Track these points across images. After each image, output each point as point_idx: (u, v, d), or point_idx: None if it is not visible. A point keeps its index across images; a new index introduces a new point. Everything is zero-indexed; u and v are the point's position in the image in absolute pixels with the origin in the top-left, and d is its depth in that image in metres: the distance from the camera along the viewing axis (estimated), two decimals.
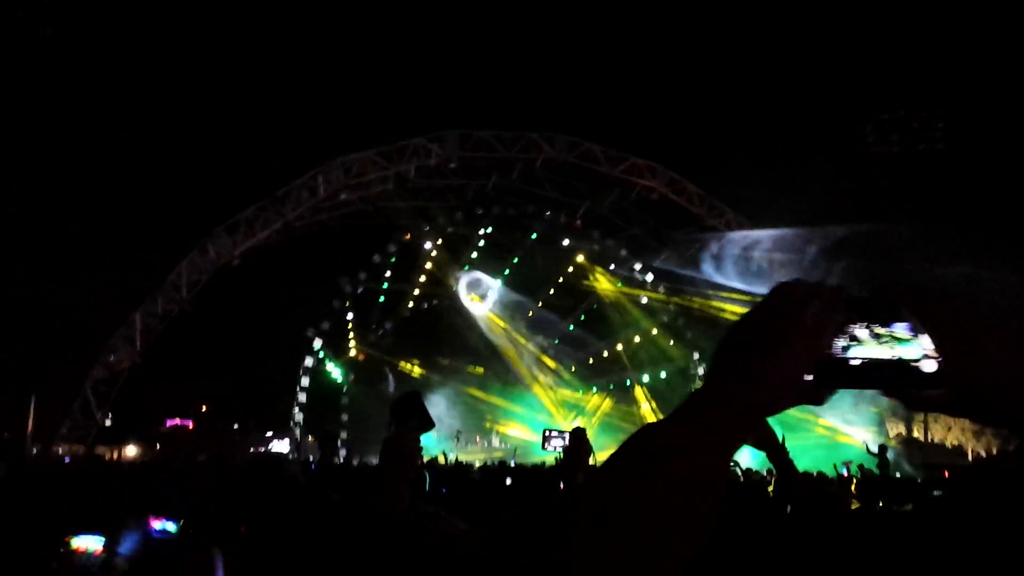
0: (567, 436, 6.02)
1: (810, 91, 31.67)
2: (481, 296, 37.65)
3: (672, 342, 37.01)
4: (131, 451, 32.18)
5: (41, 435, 30.63)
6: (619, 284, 37.12)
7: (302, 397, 35.31)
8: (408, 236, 35.52)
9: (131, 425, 33.54)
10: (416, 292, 36.86)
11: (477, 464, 24.54)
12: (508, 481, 12.85)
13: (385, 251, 35.15)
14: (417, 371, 37.43)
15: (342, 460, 29.75)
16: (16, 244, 28.87)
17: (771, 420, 1.86)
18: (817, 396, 0.95)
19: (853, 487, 14.05)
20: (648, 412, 36.74)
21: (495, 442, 37.95)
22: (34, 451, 29.09)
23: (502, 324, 37.39)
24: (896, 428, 30.15)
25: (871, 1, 30.98)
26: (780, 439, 3.58)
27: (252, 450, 31.36)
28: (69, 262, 29.53)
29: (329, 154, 31.90)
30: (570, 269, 37.32)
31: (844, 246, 29.07)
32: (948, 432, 30.33)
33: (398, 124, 32.87)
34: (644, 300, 36.81)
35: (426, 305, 37.61)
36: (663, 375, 37.26)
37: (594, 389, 38.35)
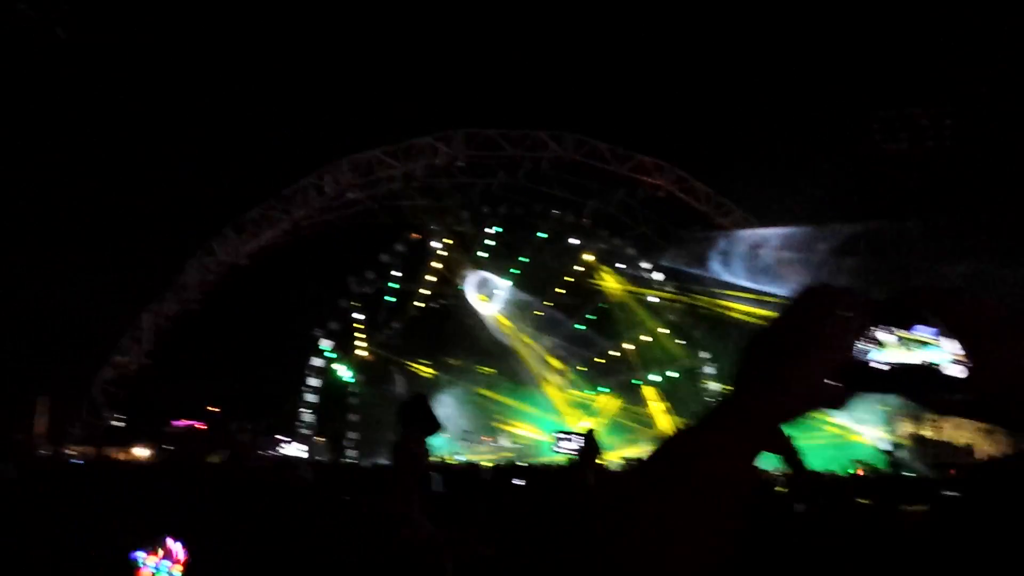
0: (577, 438, 6.05)
1: (818, 89, 31.54)
2: (488, 296, 37.66)
3: (680, 341, 36.95)
4: (140, 452, 32.24)
5: (51, 436, 30.73)
6: (627, 283, 37.07)
7: (310, 397, 35.36)
8: (415, 235, 35.56)
9: (140, 426, 33.61)
10: (424, 292, 36.88)
11: (486, 464, 24.54)
12: (518, 481, 12.86)
13: (392, 251, 35.19)
14: (426, 371, 37.45)
15: (351, 460, 29.88)
16: (24, 245, 28.96)
17: None
18: (841, 400, 0.94)
19: (864, 486, 14.02)
20: (658, 411, 36.68)
21: (504, 442, 37.93)
22: (44, 452, 29.17)
23: (510, 323, 37.39)
24: (906, 427, 30.03)
25: None
26: (790, 438, 3.56)
27: (263, 453, 31.39)
28: (77, 263, 29.57)
29: (336, 153, 31.97)
30: (578, 268, 37.30)
31: (852, 244, 28.99)
32: (958, 431, 30.19)
33: (405, 123, 32.85)
34: (652, 299, 36.74)
35: (434, 305, 37.61)
36: (672, 374, 37.18)
37: (602, 389, 38.29)
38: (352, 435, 35.39)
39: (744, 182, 32.43)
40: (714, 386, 36.24)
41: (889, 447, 23.21)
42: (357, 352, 36.46)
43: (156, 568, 4.79)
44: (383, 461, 24.27)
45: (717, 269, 32.19)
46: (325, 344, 35.31)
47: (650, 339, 37.45)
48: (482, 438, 37.86)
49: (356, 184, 32.11)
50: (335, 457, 31.64)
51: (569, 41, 36.19)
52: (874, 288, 0.96)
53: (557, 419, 36.43)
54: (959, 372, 0.90)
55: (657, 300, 36.70)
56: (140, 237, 31.26)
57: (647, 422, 37.05)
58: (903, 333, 0.93)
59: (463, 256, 36.67)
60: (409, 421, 3.93)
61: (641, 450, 32.23)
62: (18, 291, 27.92)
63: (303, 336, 34.96)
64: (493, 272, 37.38)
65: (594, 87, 35.72)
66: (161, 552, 4.70)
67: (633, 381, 38.02)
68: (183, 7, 31.14)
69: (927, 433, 29.60)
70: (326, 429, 35.81)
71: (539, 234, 35.97)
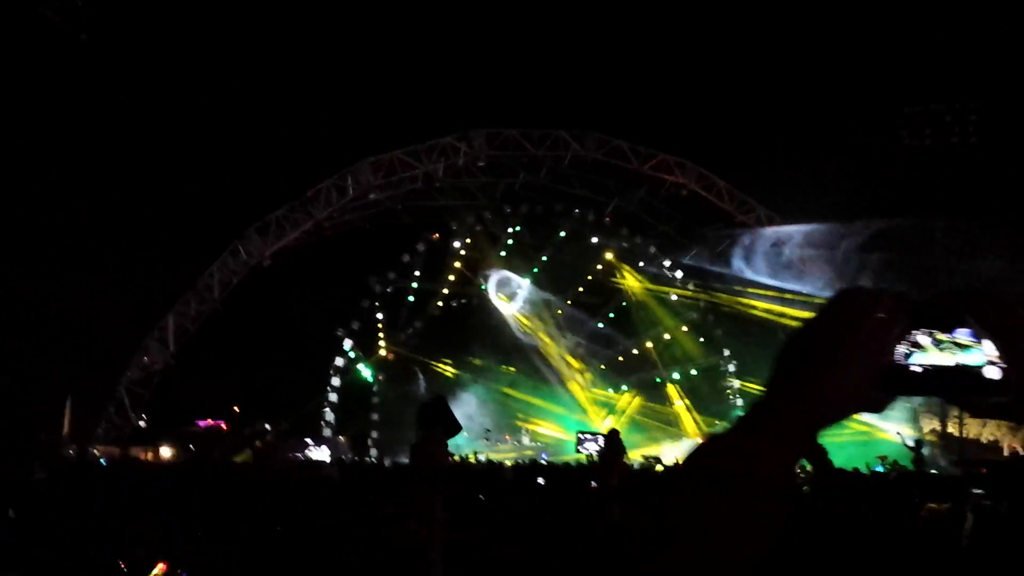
0: (600, 438, 6.03)
1: (841, 84, 31.31)
2: (510, 295, 37.68)
3: (702, 339, 36.81)
4: (165, 452, 32.51)
5: (76, 437, 31.02)
6: (648, 281, 36.97)
7: (333, 397, 35.49)
8: (437, 235, 35.63)
9: (165, 426, 33.87)
10: (445, 291, 36.93)
11: (508, 463, 24.53)
12: (541, 480, 12.86)
13: (414, 250, 35.26)
14: (448, 370, 37.50)
15: (374, 459, 29.96)
16: (50, 249, 29.26)
17: None
18: (878, 404, 0.94)
19: (889, 484, 13.89)
20: (681, 409, 36.58)
21: (525, 440, 37.93)
22: (71, 452, 29.45)
23: (531, 323, 37.39)
24: (931, 423, 29.77)
25: None
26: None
27: (290, 455, 31.52)
28: (102, 265, 29.85)
29: (358, 154, 32.07)
30: (599, 267, 37.25)
31: (876, 241, 28.75)
32: (984, 428, 29.91)
33: (426, 123, 32.91)
34: (674, 297, 36.63)
35: (455, 304, 37.65)
36: (694, 372, 37.05)
37: (624, 387, 38.20)
38: (375, 434, 35.49)
39: (767, 179, 32.27)
40: (736, 384, 36.12)
41: (913, 444, 22.95)
42: (379, 352, 36.55)
43: None
44: (404, 460, 24.34)
45: (740, 267, 32.04)
46: (347, 344, 35.42)
47: (672, 337, 37.35)
48: (505, 437, 37.87)
49: (378, 185, 32.21)
50: (359, 457, 31.75)
51: (590, 40, 36.14)
52: (910, 290, 0.95)
53: (579, 417, 36.41)
54: (997, 374, 0.89)
55: (678, 298, 36.59)
56: (165, 239, 31.53)
57: (669, 420, 36.97)
58: (942, 336, 0.92)
59: (485, 256, 36.70)
60: (429, 423, 3.94)
61: (662, 448, 32.20)
62: (45, 294, 28.23)
63: (326, 336, 35.11)
64: (515, 271, 37.39)
65: (616, 85, 35.66)
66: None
67: (655, 379, 37.91)
68: (209, 12, 31.36)
69: (952, 430, 29.35)
70: (349, 429, 35.93)
71: (560, 233, 35.94)
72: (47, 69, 26.83)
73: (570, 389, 37.29)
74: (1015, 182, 27.17)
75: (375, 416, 35.88)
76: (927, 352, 0.92)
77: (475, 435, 35.20)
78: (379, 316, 35.97)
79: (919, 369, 0.92)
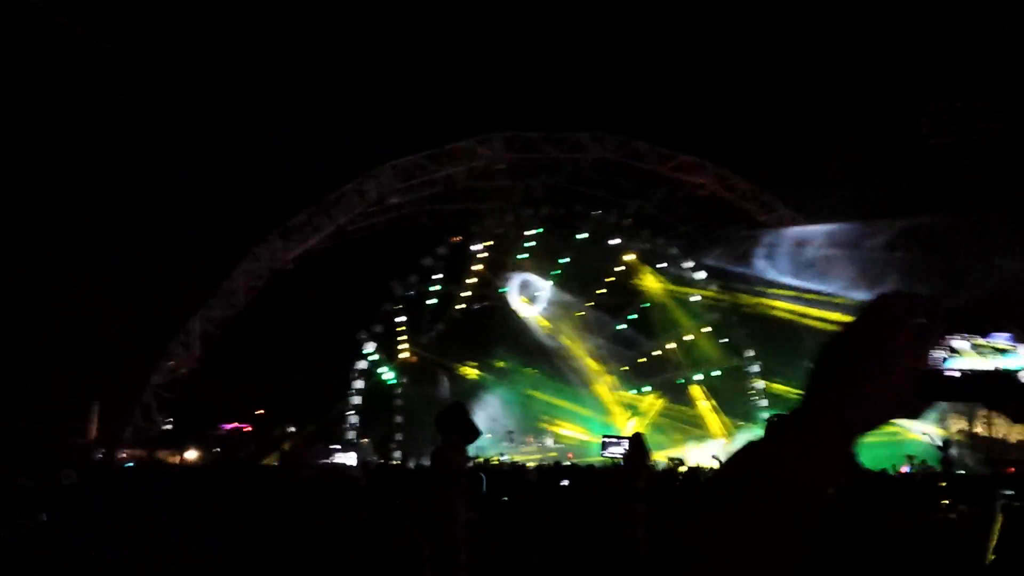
0: (625, 442, 6.03)
1: (862, 82, 31.12)
2: (531, 297, 37.68)
3: (725, 340, 36.65)
4: (191, 455, 32.79)
5: (103, 440, 31.33)
6: (670, 282, 36.87)
7: (356, 400, 35.62)
8: (458, 239, 35.68)
9: (190, 429, 34.15)
10: (466, 294, 36.97)
11: (532, 464, 24.54)
12: (565, 482, 12.87)
13: (435, 254, 35.34)
14: (470, 372, 37.55)
15: (397, 462, 30.08)
16: (76, 256, 29.58)
17: None
18: (916, 409, 0.94)
19: (916, 484, 13.78)
20: (707, 410, 36.40)
21: (549, 442, 37.93)
22: (99, 456, 29.75)
23: (553, 325, 37.37)
24: (958, 423, 29.50)
25: None
26: None
27: (318, 461, 31.61)
28: (128, 272, 30.18)
29: (379, 159, 32.20)
30: (620, 268, 37.16)
31: (899, 240, 28.52)
32: (1012, 428, 29.61)
33: (446, 127, 33.02)
34: (696, 298, 36.50)
35: (477, 307, 37.68)
36: (717, 373, 36.89)
37: (647, 388, 38.11)
38: (398, 437, 35.59)
39: (788, 179, 32.11)
40: (760, 384, 35.96)
41: (942, 443, 22.75)
42: (402, 355, 36.64)
43: None
44: (425, 462, 24.41)
45: (761, 267, 31.88)
46: (370, 347, 35.55)
47: (694, 338, 37.20)
48: (528, 438, 37.88)
49: (399, 189, 32.33)
50: (382, 458, 31.86)
51: (610, 42, 36.12)
52: (947, 294, 0.96)
53: (602, 418, 36.34)
54: None
55: (700, 299, 36.46)
56: (189, 245, 31.81)
57: (692, 421, 36.83)
58: (980, 340, 0.92)
59: (506, 258, 36.71)
60: (447, 428, 3.99)
61: (686, 449, 32.08)
62: (71, 301, 28.54)
63: (348, 340, 35.26)
64: (536, 274, 37.38)
65: (635, 87, 35.62)
66: None
67: (677, 381, 37.80)
68: (233, 20, 31.61)
69: (980, 429, 29.05)
70: (372, 431, 36.05)
71: (581, 235, 35.89)
72: (71, 76, 27.14)
73: (593, 391, 37.24)
74: None
75: (398, 418, 35.98)
76: (964, 357, 0.92)
77: (499, 436, 35.28)
78: (401, 319, 36.07)
79: (956, 374, 0.92)
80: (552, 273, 37.22)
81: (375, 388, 36.07)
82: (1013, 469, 19.04)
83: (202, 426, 35.78)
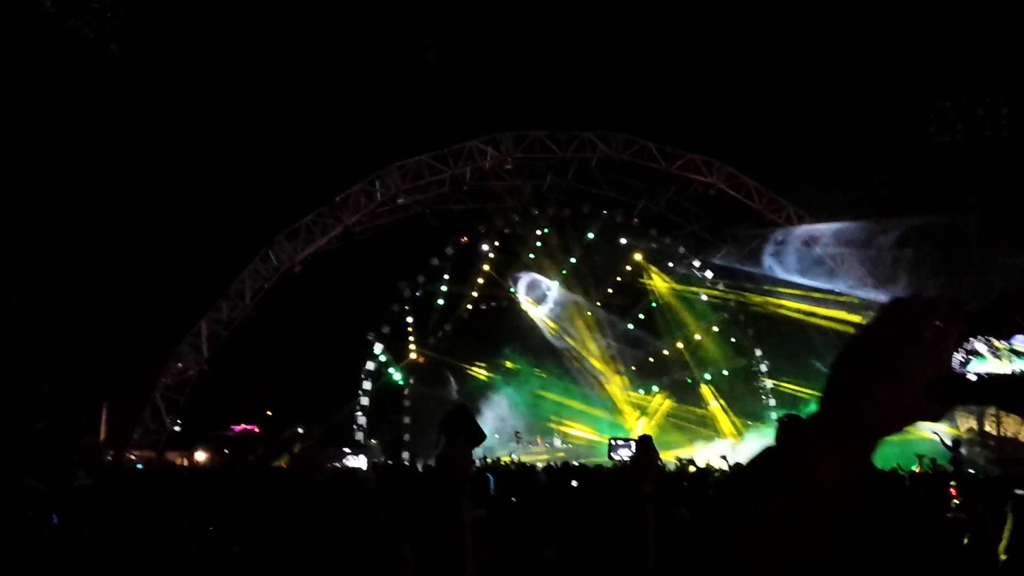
0: (633, 444, 6.00)
1: (870, 80, 31.02)
2: (539, 298, 37.66)
3: (733, 339, 36.61)
4: (200, 456, 32.91)
5: (112, 442, 31.47)
6: (678, 282, 36.83)
7: (364, 401, 35.66)
8: (465, 239, 35.70)
9: (199, 431, 34.28)
10: (474, 294, 36.99)
11: (540, 465, 24.52)
12: (574, 483, 12.85)
13: (442, 254, 35.36)
14: (479, 373, 37.56)
15: (406, 463, 30.10)
16: (83, 257, 29.69)
17: None
18: (935, 413, 0.92)
19: (926, 484, 13.74)
20: (717, 410, 36.33)
21: (557, 442, 37.92)
22: (108, 458, 29.87)
23: (560, 325, 37.35)
24: (968, 422, 29.38)
25: None
26: None
27: (329, 465, 31.65)
28: (135, 273, 30.30)
29: (386, 160, 32.22)
30: (628, 268, 37.14)
31: (908, 238, 28.43)
32: (1022, 427, 29.49)
33: (453, 127, 33.00)
34: (704, 297, 36.47)
35: (485, 307, 37.69)
36: (725, 373, 36.84)
37: (655, 388, 38.06)
38: (407, 438, 35.62)
39: (796, 177, 32.00)
40: (769, 384, 35.91)
41: (952, 443, 22.67)
42: (410, 356, 36.68)
43: None
44: (431, 463, 24.45)
45: (770, 266, 31.80)
46: (378, 348, 35.60)
47: (702, 338, 37.15)
48: (537, 439, 37.89)
49: (406, 189, 32.35)
50: (392, 459, 31.90)
51: (616, 40, 36.05)
52: (965, 297, 0.93)
53: (611, 418, 36.32)
54: None
55: (709, 299, 36.41)
56: (196, 246, 31.90)
57: (701, 421, 36.78)
58: (999, 343, 0.91)
59: (513, 258, 36.72)
60: (451, 431, 3.97)
61: (695, 450, 32.04)
62: (79, 302, 28.65)
63: (356, 341, 35.31)
64: (543, 274, 37.36)
65: (642, 85, 35.53)
66: None
67: (686, 380, 37.75)
68: (238, 20, 31.67)
69: (990, 428, 28.94)
70: (381, 432, 36.10)
71: (589, 235, 35.87)
72: (80, 80, 27.25)
73: (601, 391, 37.20)
74: None
75: (407, 419, 36.01)
76: (983, 360, 0.90)
77: (507, 437, 35.30)
78: (409, 320, 36.11)
79: (975, 377, 0.90)
80: (560, 273, 37.19)
81: (383, 389, 36.12)
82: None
83: (211, 428, 35.93)
